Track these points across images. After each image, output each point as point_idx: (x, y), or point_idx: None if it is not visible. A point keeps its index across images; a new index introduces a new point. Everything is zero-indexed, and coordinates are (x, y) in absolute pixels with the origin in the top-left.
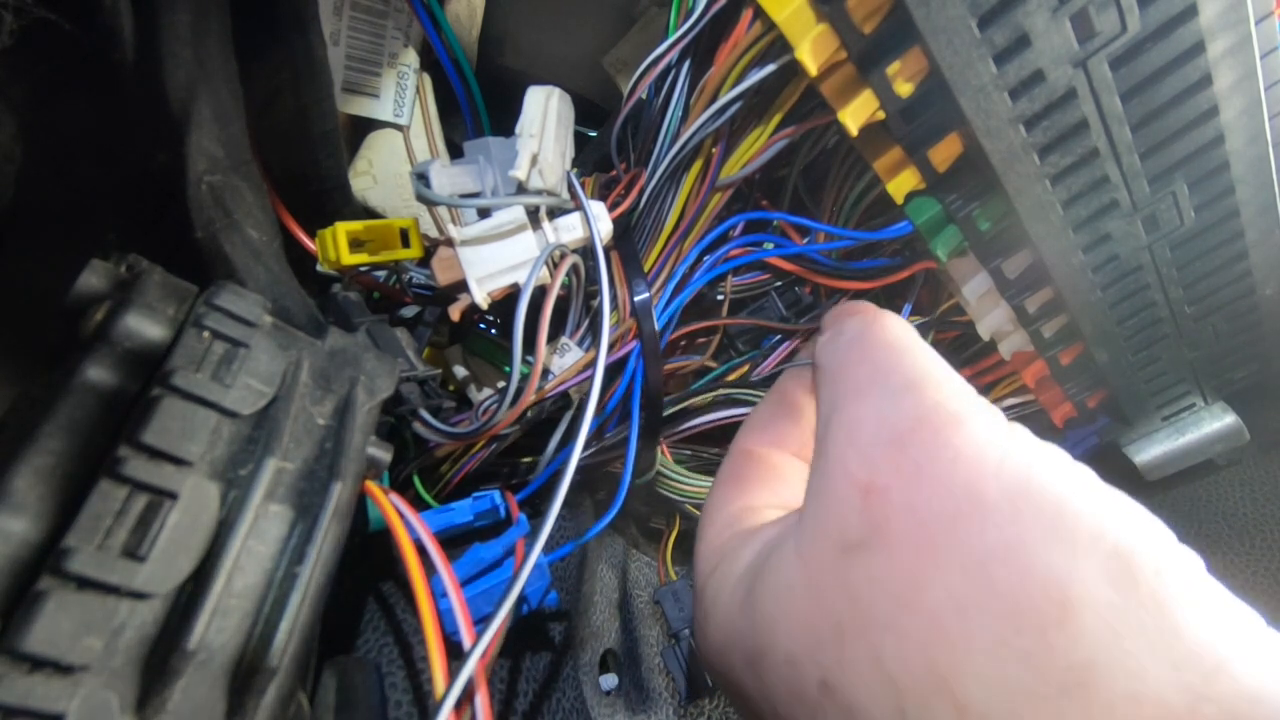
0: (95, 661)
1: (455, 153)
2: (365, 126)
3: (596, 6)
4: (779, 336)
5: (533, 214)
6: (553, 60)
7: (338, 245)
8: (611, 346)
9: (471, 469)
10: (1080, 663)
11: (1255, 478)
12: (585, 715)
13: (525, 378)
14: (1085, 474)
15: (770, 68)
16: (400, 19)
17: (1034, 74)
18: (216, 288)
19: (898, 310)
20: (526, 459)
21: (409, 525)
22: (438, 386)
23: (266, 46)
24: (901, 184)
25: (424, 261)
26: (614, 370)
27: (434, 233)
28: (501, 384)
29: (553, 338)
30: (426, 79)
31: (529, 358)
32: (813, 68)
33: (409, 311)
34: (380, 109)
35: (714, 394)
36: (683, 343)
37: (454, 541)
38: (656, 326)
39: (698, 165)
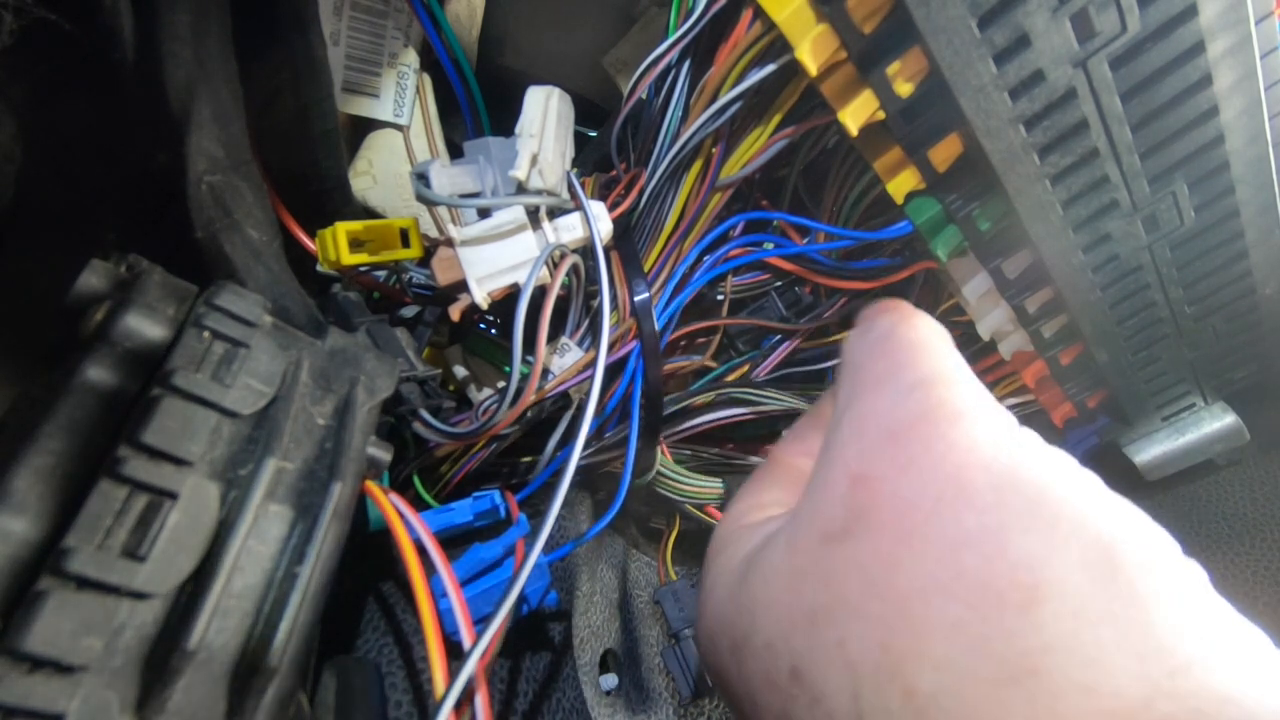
0: (95, 661)
1: (455, 153)
2: (365, 126)
3: (596, 6)
4: (779, 336)
5: (533, 214)
6: (553, 60)
7: (338, 245)
8: (611, 346)
9: (471, 469)
10: (1036, 648)
11: (1255, 478)
12: (585, 715)
13: (525, 378)
14: (1086, 476)
15: (770, 68)
16: (400, 19)
17: (1034, 74)
18: (216, 288)
19: None
20: (526, 459)
21: (409, 525)
22: (438, 386)
23: (266, 46)
24: (901, 184)
25: (424, 261)
26: (614, 370)
27: (434, 233)
28: (501, 384)
29: (553, 338)
30: (426, 79)
31: (529, 358)
32: (813, 68)
33: (409, 311)
34: (380, 109)
35: (714, 394)
36: (683, 343)
37: (454, 541)
38: (656, 326)
39: (698, 165)
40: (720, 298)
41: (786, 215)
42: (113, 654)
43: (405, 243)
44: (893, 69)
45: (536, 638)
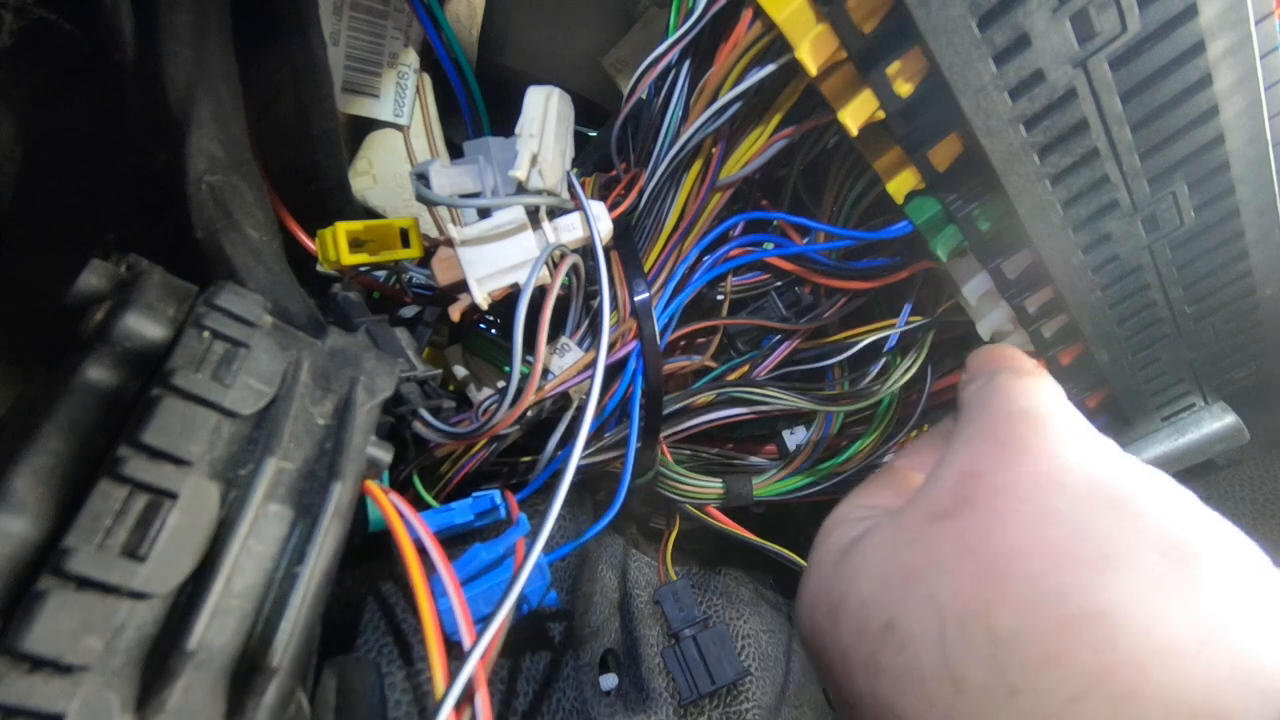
0: (95, 661)
1: (455, 153)
2: (365, 126)
3: (596, 6)
4: (779, 336)
5: (533, 214)
6: (553, 60)
7: (338, 245)
8: (611, 346)
9: (471, 469)
10: (1106, 599)
11: (1255, 478)
12: (585, 715)
13: (525, 378)
14: (1181, 491)
15: (770, 68)
16: (400, 19)
17: (1034, 74)
18: (216, 288)
19: (897, 311)
20: (526, 459)
21: (409, 525)
22: (438, 386)
23: (266, 46)
24: (901, 184)
25: (424, 261)
26: (614, 370)
27: (434, 233)
28: (501, 384)
29: (553, 338)
30: (426, 79)
31: (529, 358)
32: (813, 67)
33: (409, 311)
34: (380, 109)
35: (714, 394)
36: (682, 343)
37: (454, 541)
38: (656, 326)
39: (698, 165)
40: (720, 298)
41: (786, 215)
42: (113, 654)
43: (405, 243)
44: (893, 69)
45: (536, 638)
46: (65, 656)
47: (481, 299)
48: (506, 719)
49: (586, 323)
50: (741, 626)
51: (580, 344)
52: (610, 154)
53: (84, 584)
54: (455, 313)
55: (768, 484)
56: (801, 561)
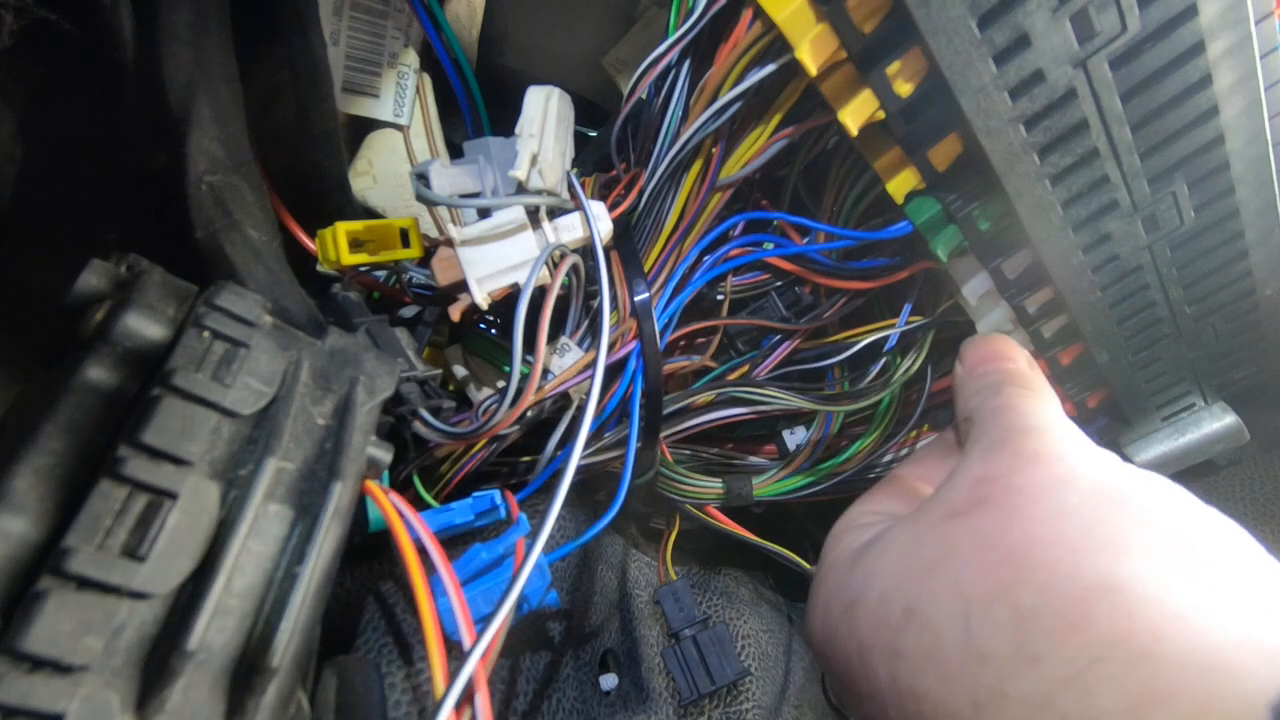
0: (95, 661)
1: (455, 153)
2: (365, 126)
3: (596, 6)
4: (779, 336)
5: (533, 214)
6: (553, 60)
7: (338, 245)
8: (611, 346)
9: (471, 469)
10: (1121, 576)
11: (1255, 478)
12: (585, 715)
13: (525, 378)
14: (1179, 491)
15: (770, 68)
16: (400, 19)
17: (1034, 74)
18: (216, 288)
19: (897, 311)
20: (526, 459)
21: (409, 525)
22: (438, 386)
23: (266, 46)
24: (901, 184)
25: (424, 261)
26: (614, 370)
27: (434, 233)
28: (501, 384)
29: (553, 338)
30: (426, 79)
31: (529, 358)
32: (813, 67)
33: (409, 311)
34: (380, 109)
35: (714, 394)
36: (682, 343)
37: (454, 541)
38: (656, 326)
39: (698, 165)
40: (720, 298)
41: (786, 215)
42: (112, 654)
43: (405, 243)
44: (893, 69)
45: (536, 638)
46: (65, 656)
47: (481, 299)
48: (506, 719)
49: (586, 323)
50: (741, 626)
51: (580, 344)
52: (610, 154)
53: (84, 584)
54: (455, 313)
55: (768, 484)
56: (801, 561)
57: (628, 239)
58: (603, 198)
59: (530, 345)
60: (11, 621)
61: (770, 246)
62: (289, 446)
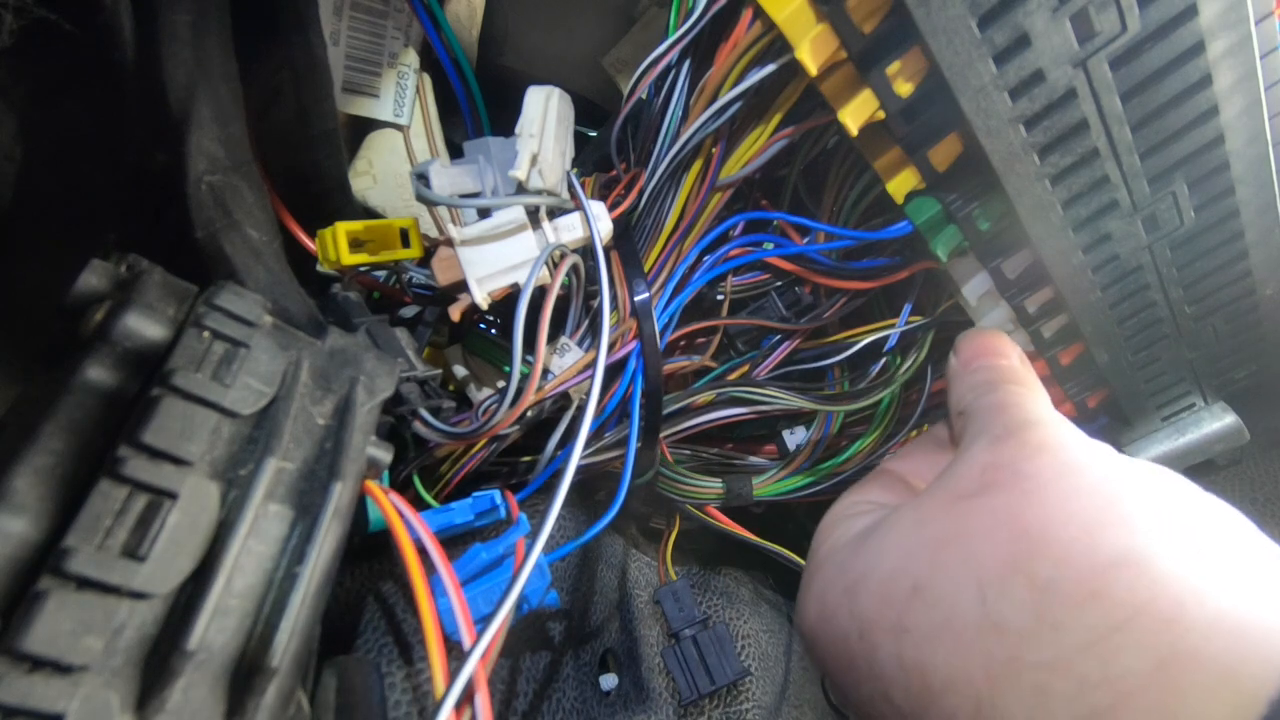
0: (95, 661)
1: (455, 153)
2: (365, 126)
3: (596, 6)
4: (779, 336)
5: (533, 214)
6: (553, 60)
7: (338, 245)
8: (611, 346)
9: (471, 469)
10: (1139, 547)
11: (1255, 478)
12: (585, 715)
13: (525, 378)
14: (1180, 479)
15: (770, 68)
16: (400, 19)
17: (1034, 74)
18: (216, 288)
19: (897, 311)
20: (526, 459)
21: (409, 525)
22: (438, 386)
23: (266, 46)
24: (901, 184)
25: (424, 261)
26: (614, 370)
27: (434, 233)
28: (501, 384)
29: (553, 338)
30: (426, 79)
31: (529, 358)
32: (813, 67)
33: (409, 311)
34: (380, 109)
35: (714, 394)
36: (682, 343)
37: (454, 541)
38: (656, 326)
39: (698, 165)
40: (720, 298)
41: (786, 215)
42: (112, 654)
43: (405, 243)
44: (893, 69)
45: (536, 638)
46: (65, 656)
47: (481, 299)
48: (506, 719)
49: (586, 323)
50: (741, 626)
51: (580, 344)
52: (610, 154)
53: (84, 584)
54: (455, 313)
55: (768, 484)
56: (801, 561)
57: (628, 239)
58: (603, 198)
59: (530, 345)
60: (11, 621)
61: (770, 246)
62: (289, 446)
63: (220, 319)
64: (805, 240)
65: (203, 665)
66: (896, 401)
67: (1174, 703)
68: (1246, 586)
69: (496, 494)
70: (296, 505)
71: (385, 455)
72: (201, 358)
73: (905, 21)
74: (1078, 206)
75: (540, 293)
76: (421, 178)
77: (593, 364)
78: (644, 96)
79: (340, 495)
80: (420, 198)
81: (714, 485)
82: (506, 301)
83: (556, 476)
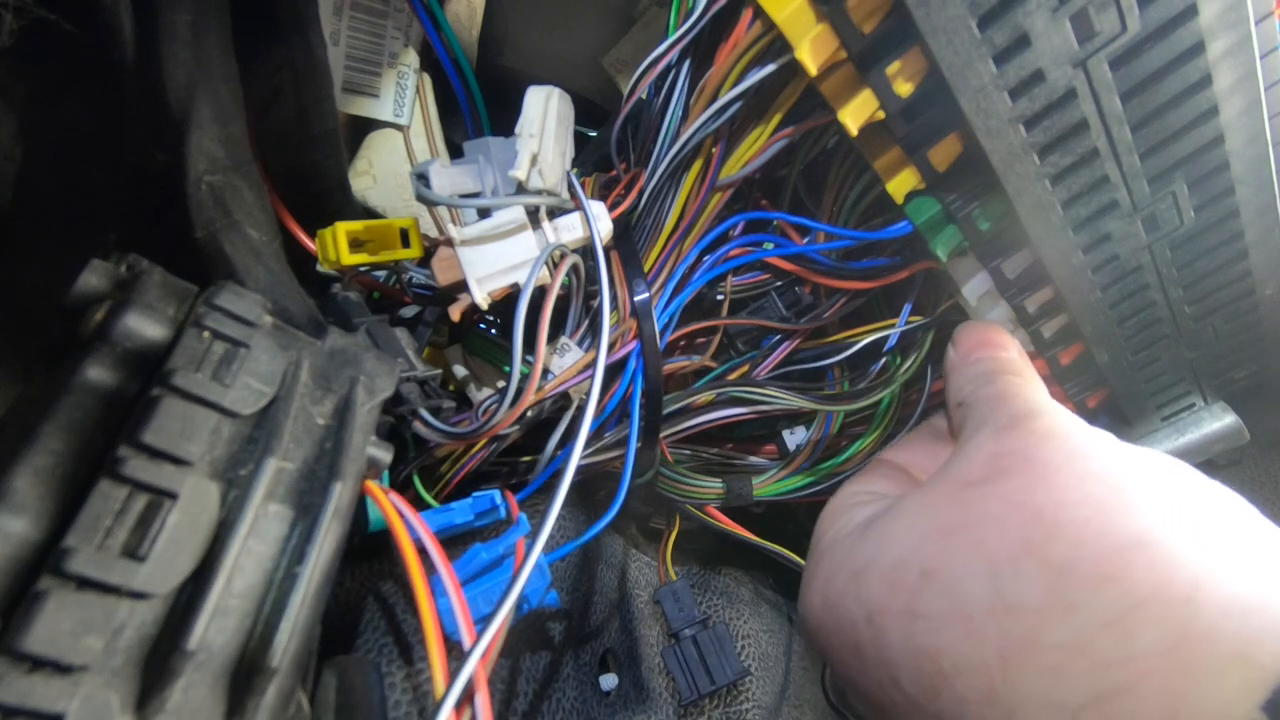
0: (95, 661)
1: (455, 153)
2: (365, 126)
3: (596, 6)
4: (779, 336)
5: (533, 214)
6: (553, 60)
7: (338, 245)
8: (611, 346)
9: (471, 469)
10: (1154, 528)
11: (1255, 478)
12: (585, 715)
13: (525, 378)
14: (1183, 465)
15: (770, 68)
16: (400, 19)
17: (1034, 74)
18: (216, 288)
19: (897, 311)
20: (526, 459)
21: (409, 525)
22: (438, 386)
23: (266, 46)
24: (901, 184)
25: (424, 261)
26: (614, 370)
27: (434, 233)
28: (501, 384)
29: (553, 338)
30: (426, 79)
31: (529, 358)
32: (813, 67)
33: (409, 311)
34: (380, 109)
35: (714, 393)
36: (682, 343)
37: (454, 541)
38: (656, 326)
39: (698, 165)
40: (720, 298)
41: (786, 215)
42: (112, 654)
43: (405, 243)
44: (892, 69)
45: (536, 638)
46: (65, 656)
47: (481, 299)
48: (506, 719)
49: (586, 323)
50: (741, 626)
51: (580, 344)
52: (610, 154)
53: (84, 584)
54: (455, 313)
55: (768, 484)
56: (801, 561)
57: (628, 239)
58: (603, 198)
59: (530, 345)
60: (11, 621)
61: (770, 246)
62: (289, 446)
63: (220, 319)
64: (805, 240)
65: (203, 665)
66: (896, 401)
67: (1189, 681)
68: (1254, 568)
69: (496, 494)
70: (296, 505)
71: (385, 455)
72: (201, 358)
73: (905, 21)
74: (1078, 206)
75: (540, 293)
76: (421, 178)
77: (593, 364)
78: (644, 96)
79: (340, 495)
80: (420, 198)
81: (714, 485)
82: (506, 301)
83: (556, 476)
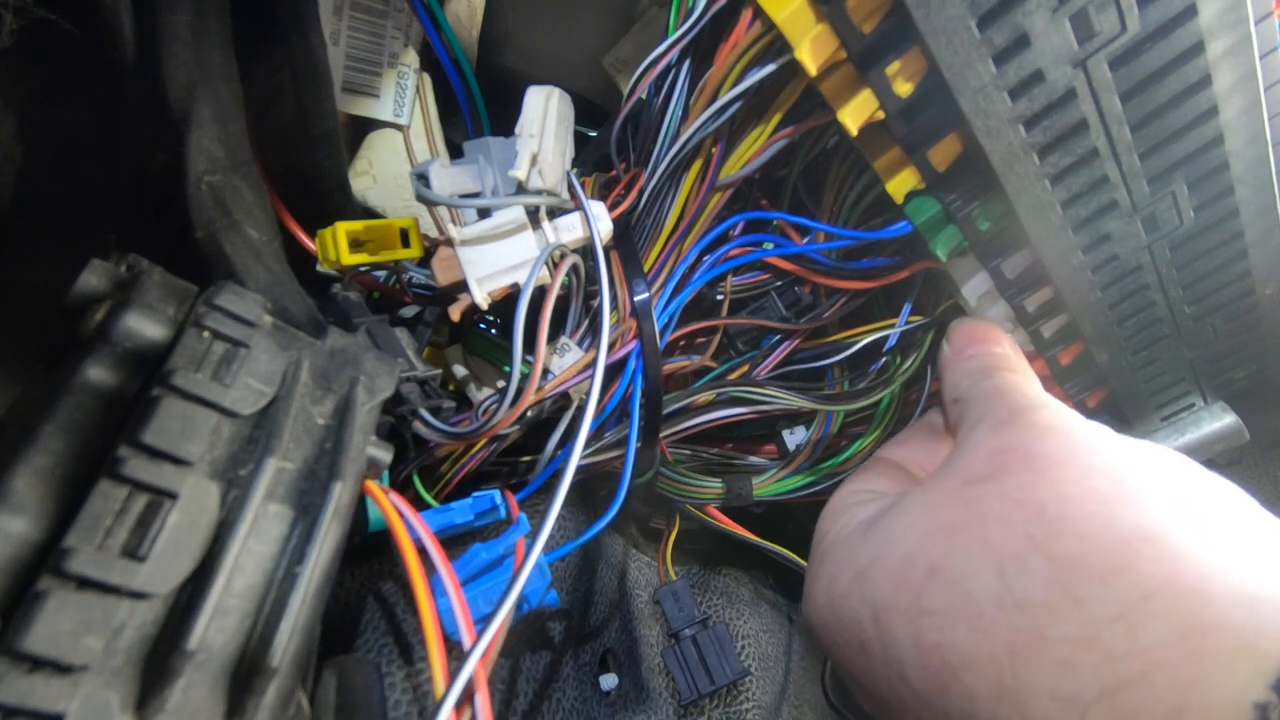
0: (95, 661)
1: (455, 153)
2: (365, 126)
3: (596, 6)
4: (779, 336)
5: (533, 214)
6: (553, 60)
7: (338, 245)
8: (611, 346)
9: (471, 469)
10: (1160, 523)
11: (1255, 478)
12: (585, 715)
13: (525, 378)
14: (1182, 458)
15: (770, 67)
16: (400, 19)
17: (1034, 74)
18: (216, 288)
19: (897, 311)
20: (526, 459)
21: (409, 525)
22: (438, 386)
23: (266, 46)
24: (901, 184)
25: (424, 261)
26: (614, 370)
27: (434, 233)
28: (501, 384)
29: (553, 338)
30: (426, 79)
31: (529, 358)
32: (812, 67)
33: (409, 311)
34: (380, 109)
35: (714, 393)
36: (682, 343)
37: (454, 541)
38: (656, 326)
39: (698, 165)
40: (720, 298)
41: (786, 215)
42: (112, 654)
43: (405, 243)
44: (892, 69)
45: (536, 638)
46: (65, 656)
47: (481, 299)
48: (506, 719)
49: (586, 323)
50: (741, 626)
51: (580, 344)
52: (610, 154)
53: (84, 584)
54: (455, 313)
55: (768, 484)
56: (801, 561)
57: (628, 239)
58: (603, 198)
59: (530, 345)
60: (11, 621)
61: (770, 246)
62: (289, 446)
63: (220, 319)
64: (805, 240)
65: (203, 665)
66: (896, 401)
67: (1198, 672)
68: (1258, 560)
69: (496, 494)
70: (296, 505)
71: (385, 455)
72: (201, 358)
73: (905, 21)
74: (1077, 206)
75: (540, 293)
76: (421, 178)
77: (593, 364)
78: (644, 96)
79: (340, 495)
80: (420, 198)
81: (714, 485)
82: (506, 301)
83: (556, 476)
